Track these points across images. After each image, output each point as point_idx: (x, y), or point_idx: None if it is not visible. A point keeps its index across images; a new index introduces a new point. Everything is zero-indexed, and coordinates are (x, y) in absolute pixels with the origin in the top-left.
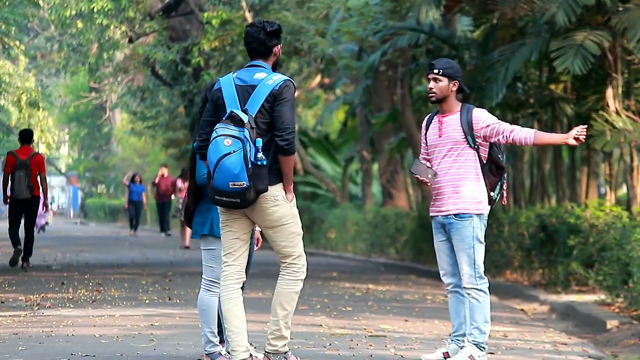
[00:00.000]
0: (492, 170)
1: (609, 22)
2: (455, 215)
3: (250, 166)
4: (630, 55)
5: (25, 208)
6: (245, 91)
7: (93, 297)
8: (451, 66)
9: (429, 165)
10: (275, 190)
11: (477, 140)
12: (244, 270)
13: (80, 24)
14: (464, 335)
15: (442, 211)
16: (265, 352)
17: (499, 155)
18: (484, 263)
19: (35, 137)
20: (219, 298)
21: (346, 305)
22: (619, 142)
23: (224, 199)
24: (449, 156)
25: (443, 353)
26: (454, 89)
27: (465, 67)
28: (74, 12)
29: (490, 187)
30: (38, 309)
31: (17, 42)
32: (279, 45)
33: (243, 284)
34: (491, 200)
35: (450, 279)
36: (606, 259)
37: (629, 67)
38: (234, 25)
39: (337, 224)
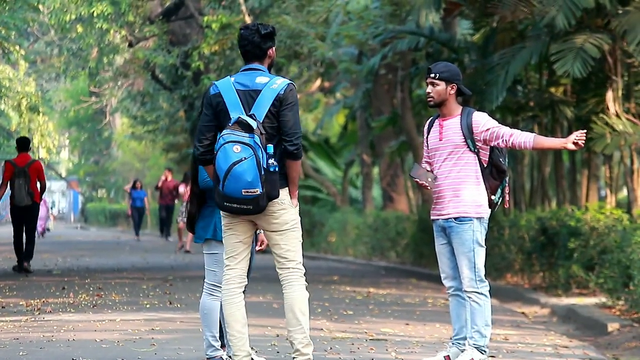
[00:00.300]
0: (493, 173)
1: (609, 25)
2: (455, 218)
3: (263, 173)
4: (630, 58)
5: (26, 215)
6: (248, 96)
7: (94, 302)
8: (448, 70)
9: (429, 169)
10: (282, 194)
11: (477, 143)
12: (246, 274)
13: (80, 29)
14: (464, 338)
15: (442, 214)
16: None
17: (501, 159)
18: (484, 266)
19: (35, 141)
20: (221, 302)
21: (347, 309)
22: (619, 145)
23: (235, 205)
24: (450, 160)
25: (444, 356)
26: (452, 92)
27: (465, 71)
28: (73, 17)
29: (491, 191)
30: (39, 313)
31: (17, 47)
32: (273, 48)
33: (244, 287)
34: (492, 204)
35: (451, 283)
36: (607, 261)
37: (628, 70)
38: (233, 29)
39: (337, 228)
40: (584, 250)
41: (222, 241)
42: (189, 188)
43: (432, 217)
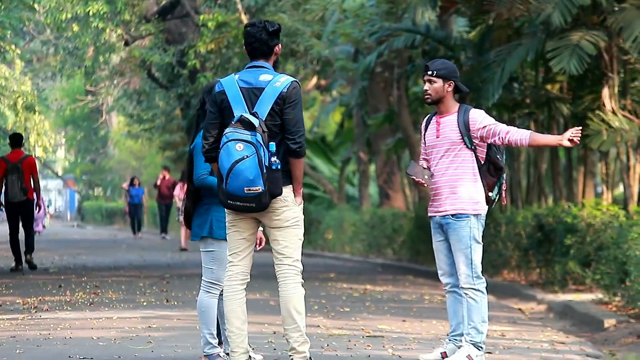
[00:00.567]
0: (490, 170)
1: (605, 22)
2: (452, 215)
3: (265, 171)
4: (626, 55)
5: (20, 211)
6: (252, 94)
7: (90, 300)
8: (445, 67)
9: (425, 166)
10: (285, 192)
11: (474, 141)
12: (249, 272)
13: (76, 27)
14: (461, 335)
15: (439, 211)
16: None
17: (498, 156)
18: (481, 263)
19: (31, 140)
20: (221, 298)
21: (344, 306)
22: (615, 142)
23: (238, 203)
24: (447, 157)
25: (441, 353)
26: (449, 89)
27: (461, 68)
28: (69, 16)
29: (489, 188)
30: (35, 311)
31: (13, 46)
32: (279, 45)
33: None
34: (490, 201)
35: (448, 279)
36: (603, 258)
37: (624, 67)
38: (229, 27)
39: (334, 225)
40: (580, 247)
41: (218, 239)
42: (185, 188)
43: (429, 214)
